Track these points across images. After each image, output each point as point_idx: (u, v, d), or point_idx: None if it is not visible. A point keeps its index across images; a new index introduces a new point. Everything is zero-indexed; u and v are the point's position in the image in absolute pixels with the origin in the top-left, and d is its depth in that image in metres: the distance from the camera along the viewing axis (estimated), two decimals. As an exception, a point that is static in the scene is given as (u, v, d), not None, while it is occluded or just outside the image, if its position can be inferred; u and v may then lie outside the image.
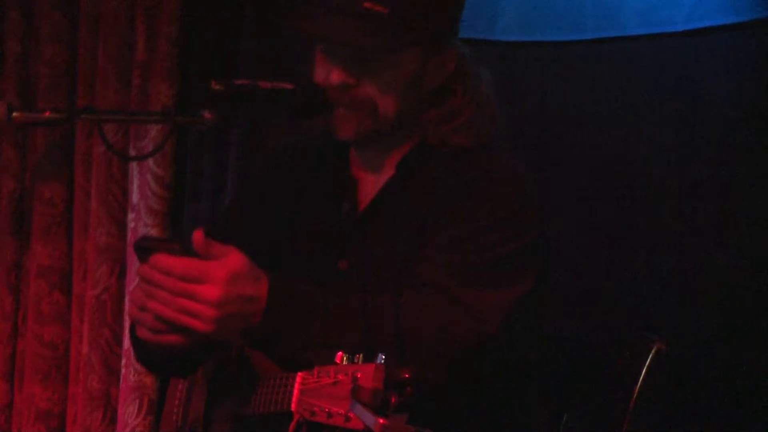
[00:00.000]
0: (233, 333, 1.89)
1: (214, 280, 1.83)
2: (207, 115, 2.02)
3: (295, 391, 1.68)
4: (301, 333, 1.88)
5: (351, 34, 1.99)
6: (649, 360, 2.10)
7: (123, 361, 3.41)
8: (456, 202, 2.02)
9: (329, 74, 2.05)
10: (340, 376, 1.58)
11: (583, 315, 2.95)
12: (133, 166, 3.41)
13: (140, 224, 3.37)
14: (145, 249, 1.95)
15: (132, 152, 3.38)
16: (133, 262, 3.33)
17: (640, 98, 2.98)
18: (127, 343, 3.38)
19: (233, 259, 1.85)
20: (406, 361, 1.81)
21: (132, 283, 3.37)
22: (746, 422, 2.74)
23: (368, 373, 1.52)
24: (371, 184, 2.17)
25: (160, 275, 1.85)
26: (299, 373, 1.69)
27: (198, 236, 1.85)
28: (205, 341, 1.92)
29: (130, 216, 3.40)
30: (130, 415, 3.38)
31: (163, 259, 1.86)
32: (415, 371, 1.52)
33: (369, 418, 1.47)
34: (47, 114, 2.08)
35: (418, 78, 2.08)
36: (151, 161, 3.33)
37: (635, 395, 2.07)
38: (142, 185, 3.36)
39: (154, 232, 3.35)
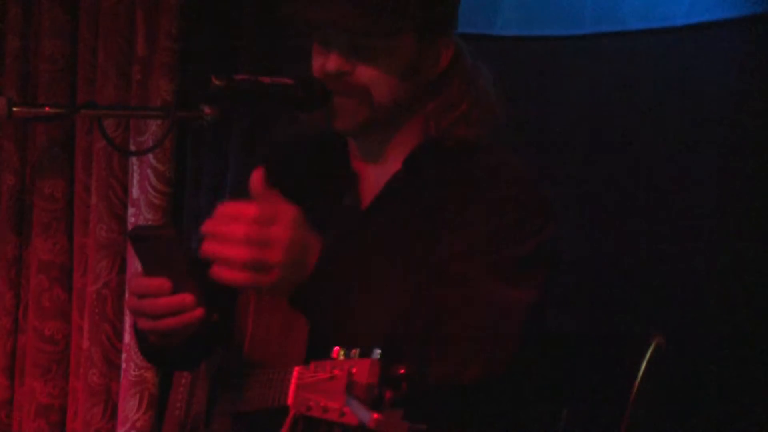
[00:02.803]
0: (288, 285, 1.83)
1: (285, 223, 1.77)
2: (207, 110, 2.02)
3: (292, 386, 1.69)
4: (346, 298, 1.86)
5: (347, 19, 1.99)
6: (648, 355, 2.10)
7: (123, 356, 3.42)
8: (469, 201, 2.02)
9: (325, 62, 2.06)
10: (336, 371, 1.58)
11: (583, 311, 2.95)
12: (134, 162, 3.41)
13: (140, 219, 3.37)
14: (139, 237, 1.95)
15: (132, 147, 3.38)
16: (133, 257, 3.33)
17: (639, 93, 2.97)
18: (127, 337, 3.39)
19: (292, 207, 1.80)
20: (434, 354, 1.82)
21: (135, 271, 3.38)
22: (746, 422, 2.74)
23: (363, 369, 1.52)
24: (374, 179, 2.17)
25: (229, 224, 1.77)
26: (296, 368, 1.69)
27: (257, 176, 1.79)
28: (209, 327, 1.94)
29: (131, 211, 3.41)
30: (131, 409, 3.39)
31: (230, 206, 1.79)
32: (412, 367, 1.53)
33: (363, 413, 1.47)
34: (47, 109, 2.08)
35: (414, 67, 2.08)
36: (151, 156, 3.34)
37: (635, 391, 2.07)
38: (143, 180, 3.37)
39: (154, 227, 3.36)
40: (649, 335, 2.13)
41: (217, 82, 1.98)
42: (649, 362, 2.09)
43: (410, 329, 1.86)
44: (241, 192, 2.46)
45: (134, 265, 3.36)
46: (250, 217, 1.76)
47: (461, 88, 2.12)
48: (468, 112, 2.11)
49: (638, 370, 2.09)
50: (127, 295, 3.30)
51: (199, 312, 1.93)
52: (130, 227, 3.40)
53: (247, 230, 1.76)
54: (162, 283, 1.93)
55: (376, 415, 1.47)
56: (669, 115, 2.94)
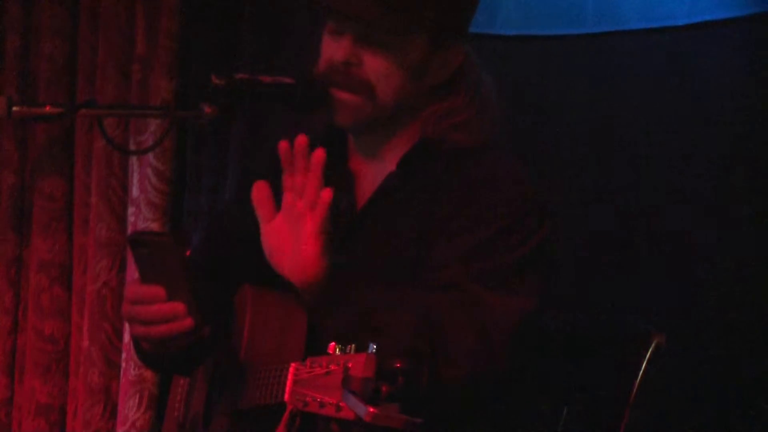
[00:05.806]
0: None
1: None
2: (207, 109, 2.02)
3: (288, 382, 1.69)
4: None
5: (361, 7, 2.00)
6: (648, 355, 2.10)
7: (123, 355, 3.42)
8: (464, 205, 2.02)
9: (335, 52, 2.05)
10: (332, 367, 1.58)
11: (584, 310, 2.94)
12: (133, 161, 3.41)
13: (140, 218, 3.37)
14: (139, 242, 1.96)
15: (132, 147, 3.39)
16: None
17: (640, 93, 2.97)
18: (127, 337, 3.38)
19: None
20: (437, 357, 1.83)
21: (132, 277, 3.37)
22: (746, 421, 2.74)
23: (359, 363, 1.52)
24: (370, 179, 2.16)
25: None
26: (292, 364, 1.70)
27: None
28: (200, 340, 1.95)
29: (130, 210, 3.41)
30: (131, 409, 3.38)
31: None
32: (407, 362, 1.53)
33: (359, 408, 1.47)
34: (47, 108, 2.08)
35: (421, 70, 2.08)
36: (151, 156, 3.34)
37: (635, 390, 2.07)
38: (142, 179, 3.37)
39: (154, 226, 3.36)
40: (649, 335, 2.13)
41: (217, 81, 1.98)
42: (649, 362, 2.09)
43: (401, 334, 1.87)
44: (240, 191, 2.47)
45: (134, 268, 3.36)
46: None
47: (466, 96, 2.12)
48: (469, 121, 2.12)
49: (638, 370, 2.09)
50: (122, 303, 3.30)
51: (188, 322, 1.94)
52: (130, 226, 3.40)
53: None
54: (156, 291, 1.95)
55: (372, 409, 1.47)
56: (670, 114, 2.94)
